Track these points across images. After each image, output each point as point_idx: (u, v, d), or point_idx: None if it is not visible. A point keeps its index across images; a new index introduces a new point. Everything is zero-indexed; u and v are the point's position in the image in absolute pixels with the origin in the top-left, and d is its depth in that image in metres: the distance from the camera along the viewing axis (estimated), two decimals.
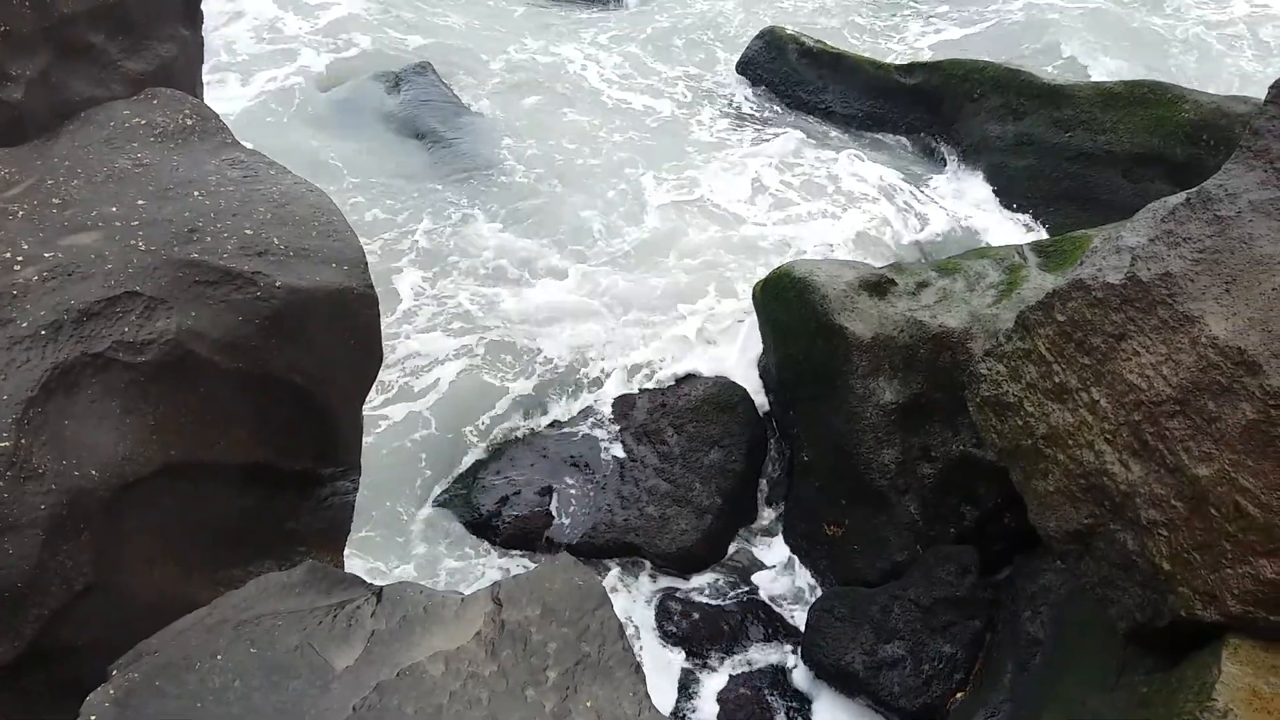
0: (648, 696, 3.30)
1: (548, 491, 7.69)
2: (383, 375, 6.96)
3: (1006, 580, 6.95)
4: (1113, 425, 4.70)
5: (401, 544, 7.45)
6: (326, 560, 5.37)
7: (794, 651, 7.08)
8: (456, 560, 7.44)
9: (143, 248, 4.89)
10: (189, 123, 5.80)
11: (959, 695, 6.60)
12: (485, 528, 7.48)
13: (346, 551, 5.72)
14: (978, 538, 7.10)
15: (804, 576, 7.65)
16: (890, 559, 7.13)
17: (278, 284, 4.95)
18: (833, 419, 7.37)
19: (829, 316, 7.33)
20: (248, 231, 5.14)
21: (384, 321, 5.58)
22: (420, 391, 8.46)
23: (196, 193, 5.34)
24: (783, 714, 6.72)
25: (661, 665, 7.01)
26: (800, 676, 6.94)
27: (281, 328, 4.94)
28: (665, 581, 7.55)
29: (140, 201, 5.22)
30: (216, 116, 5.96)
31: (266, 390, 5.01)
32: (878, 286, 7.60)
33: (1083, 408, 4.85)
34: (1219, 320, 4.38)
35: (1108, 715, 4.52)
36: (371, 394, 5.71)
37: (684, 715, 6.59)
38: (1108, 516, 4.72)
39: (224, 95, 11.59)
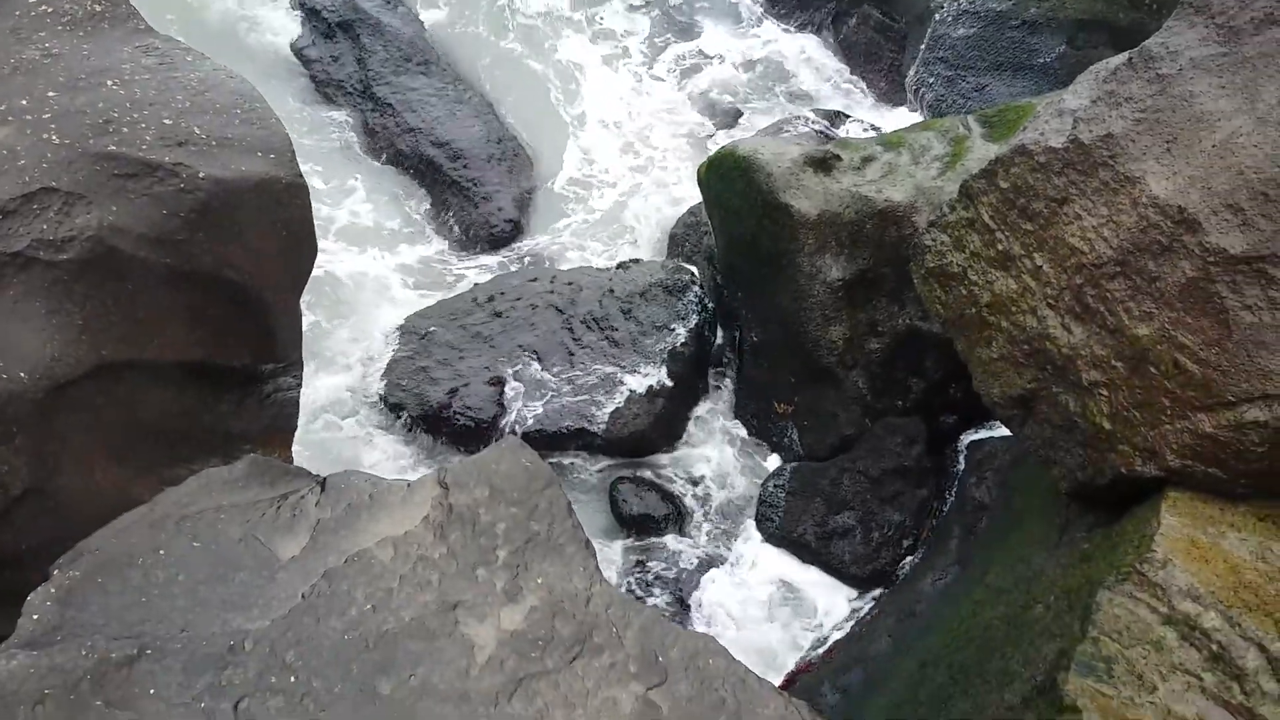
0: (598, 570, 3.32)
1: (498, 382, 7.64)
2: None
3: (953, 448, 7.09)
4: (1055, 290, 4.72)
5: (345, 441, 7.41)
6: (274, 456, 5.32)
7: (748, 526, 7.20)
8: (406, 455, 7.43)
9: (56, 141, 4.68)
10: (97, 9, 5.50)
11: (908, 560, 6.78)
12: (435, 420, 7.43)
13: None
14: (925, 409, 7.20)
15: (756, 454, 7.73)
16: (840, 433, 7.22)
17: (201, 175, 4.77)
18: (780, 298, 7.36)
19: (774, 195, 7.24)
20: (166, 121, 4.93)
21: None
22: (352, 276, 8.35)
23: (110, 82, 5.09)
24: (737, 585, 6.85)
25: (616, 544, 7.11)
26: (754, 549, 7.06)
27: (208, 220, 4.78)
28: (619, 466, 7.59)
29: (51, 93, 4.98)
30: (127, 1, 5.65)
31: (198, 286, 4.88)
32: (822, 163, 7.50)
33: (1025, 274, 4.86)
34: (1159, 180, 4.37)
35: (1051, 571, 4.64)
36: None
37: (639, 589, 6.70)
38: (1050, 380, 4.78)
39: None
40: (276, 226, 5.07)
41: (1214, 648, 3.76)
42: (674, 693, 3.07)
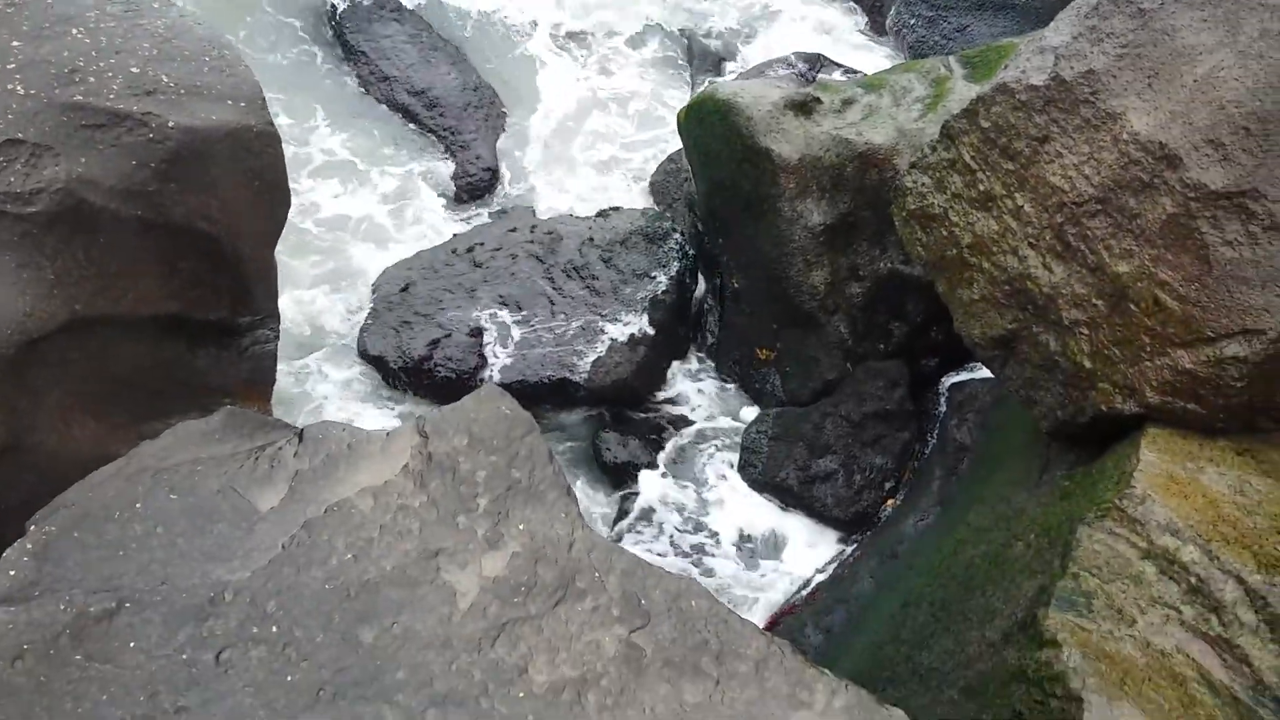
0: (580, 516, 3.31)
1: (479, 333, 7.60)
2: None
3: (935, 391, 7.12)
4: (1036, 229, 4.70)
5: (323, 393, 7.37)
6: (253, 409, 5.29)
7: (731, 472, 7.22)
8: (386, 408, 7.40)
9: (21, 91, 4.58)
10: None
11: (890, 502, 6.82)
12: (416, 372, 7.39)
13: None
14: (906, 353, 7.20)
15: (739, 401, 7.74)
16: (822, 378, 7.22)
17: (171, 124, 4.69)
18: (761, 244, 7.32)
19: (754, 139, 7.17)
20: (133, 70, 4.83)
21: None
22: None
23: (75, 31, 4.98)
24: (721, 530, 6.89)
25: (601, 491, 7.12)
26: (737, 494, 7.10)
27: (179, 171, 4.70)
28: (602, 414, 7.59)
29: (15, 43, 4.87)
30: None
31: (171, 238, 4.81)
32: (803, 106, 7.42)
33: (1007, 214, 4.83)
34: (1141, 116, 4.34)
35: (1032, 509, 4.67)
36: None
37: (623, 535, 6.73)
38: (1031, 320, 4.77)
39: None
40: (249, 176, 4.99)
41: (1192, 581, 3.80)
42: (657, 635, 3.08)
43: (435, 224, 8.75)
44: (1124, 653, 3.65)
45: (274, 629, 2.86)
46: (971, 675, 4.11)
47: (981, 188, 4.94)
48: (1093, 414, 4.51)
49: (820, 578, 6.52)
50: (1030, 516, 4.59)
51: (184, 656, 2.76)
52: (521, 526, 3.23)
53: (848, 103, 7.52)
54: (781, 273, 7.20)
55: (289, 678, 2.76)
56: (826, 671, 3.14)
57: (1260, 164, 4.03)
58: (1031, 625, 3.83)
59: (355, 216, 8.62)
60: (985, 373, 6.39)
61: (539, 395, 7.43)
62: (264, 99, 5.06)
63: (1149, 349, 4.27)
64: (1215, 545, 3.86)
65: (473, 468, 3.34)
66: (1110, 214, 4.40)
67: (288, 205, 5.31)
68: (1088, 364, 4.48)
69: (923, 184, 5.26)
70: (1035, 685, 3.65)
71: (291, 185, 5.36)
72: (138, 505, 3.12)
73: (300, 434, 3.42)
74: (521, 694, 2.87)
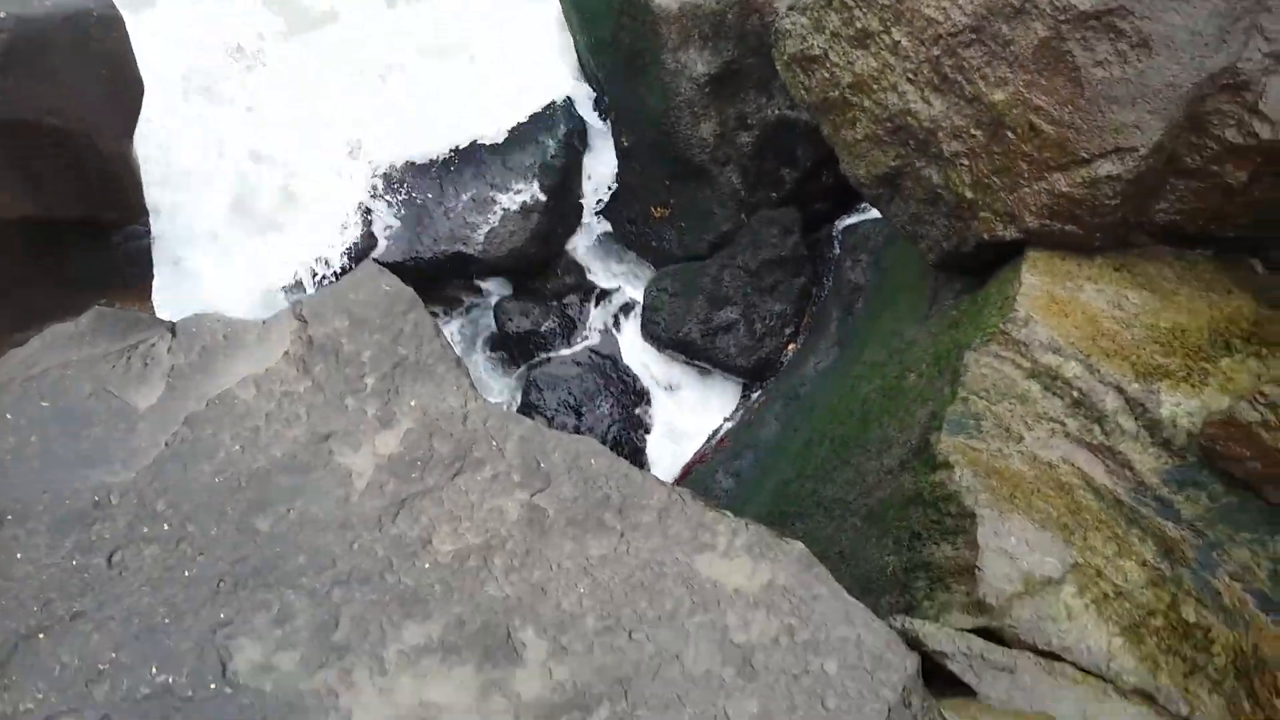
0: (472, 388, 3.28)
1: (368, 213, 7.39)
2: None
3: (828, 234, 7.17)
4: (914, 64, 4.67)
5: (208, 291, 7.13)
6: (134, 308, 5.11)
7: (634, 331, 7.25)
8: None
9: None
10: None
11: (791, 347, 6.93)
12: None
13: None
14: (798, 199, 7.21)
15: (637, 261, 7.71)
16: (717, 230, 7.22)
17: (3, 14, 4.38)
18: (648, 99, 7.18)
19: None
20: None
21: None
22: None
23: None
24: (627, 389, 6.94)
25: (505, 362, 7.10)
26: (641, 352, 7.14)
27: (17, 63, 4.42)
28: (503, 289, 7.51)
29: None
30: None
31: (19, 137, 4.55)
32: None
33: (885, 50, 4.79)
34: None
35: (923, 340, 4.77)
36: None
37: (530, 404, 6.74)
38: (913, 155, 4.79)
39: None
40: (94, 64, 4.72)
41: (1075, 395, 3.94)
42: (559, 495, 3.10)
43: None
44: (1013, 468, 3.79)
45: (165, 526, 2.81)
46: (872, 502, 4.25)
47: (859, 25, 4.87)
48: (976, 243, 4.58)
49: (728, 425, 6.65)
50: (921, 348, 4.70)
51: (74, 563, 2.70)
52: (413, 403, 3.19)
53: None
54: (670, 127, 7.10)
55: (186, 573, 2.73)
56: (728, 513, 3.20)
57: None
58: (925, 450, 3.95)
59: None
60: (876, 214, 6.44)
61: (435, 271, 7.31)
62: None
63: (1027, 175, 4.33)
64: (1095, 359, 4.00)
65: (356, 348, 3.28)
66: (984, 43, 4.38)
67: (141, 92, 5.04)
68: (969, 194, 4.53)
69: (801, 25, 5.17)
70: (931, 506, 3.79)
71: None
72: (7, 416, 3.00)
73: (173, 328, 3.31)
74: (427, 565, 2.88)
